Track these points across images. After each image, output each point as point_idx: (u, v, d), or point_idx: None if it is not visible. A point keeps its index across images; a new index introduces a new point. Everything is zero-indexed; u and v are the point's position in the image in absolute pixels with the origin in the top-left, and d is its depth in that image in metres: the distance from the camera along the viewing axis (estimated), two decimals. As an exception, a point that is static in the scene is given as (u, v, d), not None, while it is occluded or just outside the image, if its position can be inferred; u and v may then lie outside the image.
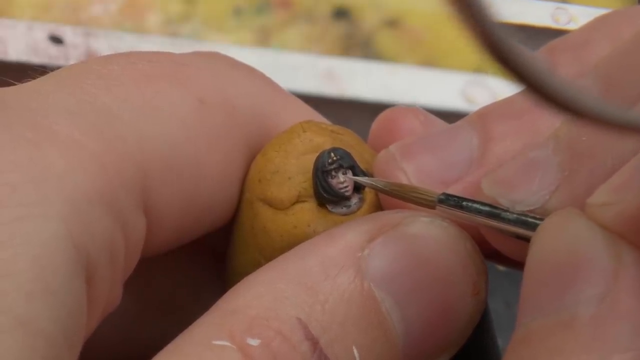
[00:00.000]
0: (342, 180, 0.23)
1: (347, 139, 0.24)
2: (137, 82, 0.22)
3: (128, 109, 0.21)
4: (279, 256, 0.22)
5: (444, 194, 0.21)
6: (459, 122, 0.23)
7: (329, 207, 0.23)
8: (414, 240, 0.21)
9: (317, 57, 0.45)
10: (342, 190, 0.23)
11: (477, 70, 0.46)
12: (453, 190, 0.22)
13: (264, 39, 0.47)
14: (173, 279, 0.27)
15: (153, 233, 0.21)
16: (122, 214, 0.20)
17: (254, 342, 0.19)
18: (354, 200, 0.23)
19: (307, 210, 0.23)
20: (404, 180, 0.22)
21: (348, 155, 0.23)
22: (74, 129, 0.19)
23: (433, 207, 0.21)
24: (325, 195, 0.23)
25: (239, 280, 0.21)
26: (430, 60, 0.46)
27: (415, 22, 0.47)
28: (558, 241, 0.19)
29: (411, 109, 0.25)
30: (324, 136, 0.23)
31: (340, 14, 0.47)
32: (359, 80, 0.45)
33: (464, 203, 0.21)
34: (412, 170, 0.23)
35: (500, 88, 0.44)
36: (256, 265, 0.22)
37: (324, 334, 0.20)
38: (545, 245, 0.19)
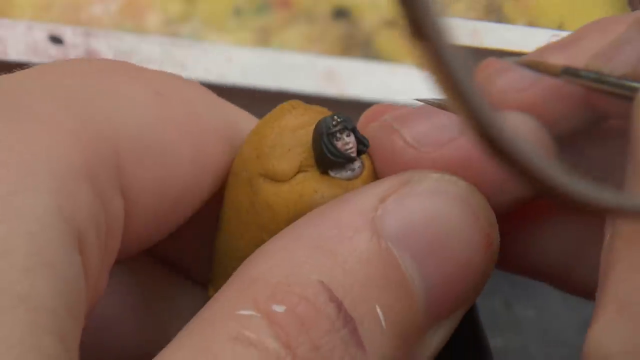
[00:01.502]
0: (347, 142, 0.23)
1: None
2: (100, 74, 0.22)
3: (97, 94, 0.21)
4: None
5: (564, 66, 0.23)
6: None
7: (332, 173, 0.23)
8: (425, 196, 0.21)
9: (317, 57, 0.45)
10: (349, 152, 0.23)
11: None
12: (451, 146, 0.23)
13: (264, 39, 0.47)
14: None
15: (130, 217, 0.21)
16: (103, 191, 0.20)
17: (279, 308, 0.19)
18: (357, 163, 0.23)
19: (311, 179, 0.23)
20: (399, 143, 0.23)
21: (349, 118, 0.23)
22: (52, 109, 0.20)
23: (558, 75, 0.23)
24: (333, 158, 0.23)
25: (238, 265, 0.21)
26: (422, 68, 0.46)
27: (415, 22, 0.47)
28: None
29: (398, 104, 0.25)
30: (313, 112, 0.24)
31: (340, 14, 0.47)
32: (359, 80, 0.45)
33: (580, 72, 0.23)
34: (407, 133, 0.23)
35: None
36: (260, 243, 0.22)
37: (347, 296, 0.20)
38: None
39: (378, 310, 0.20)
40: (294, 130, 0.23)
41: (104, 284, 0.21)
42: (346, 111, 0.23)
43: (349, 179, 0.23)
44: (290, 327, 0.19)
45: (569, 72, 0.24)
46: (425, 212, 0.21)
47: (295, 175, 0.23)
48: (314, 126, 0.23)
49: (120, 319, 0.26)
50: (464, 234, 0.22)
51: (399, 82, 0.45)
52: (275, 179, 0.23)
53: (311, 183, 0.23)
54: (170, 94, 0.23)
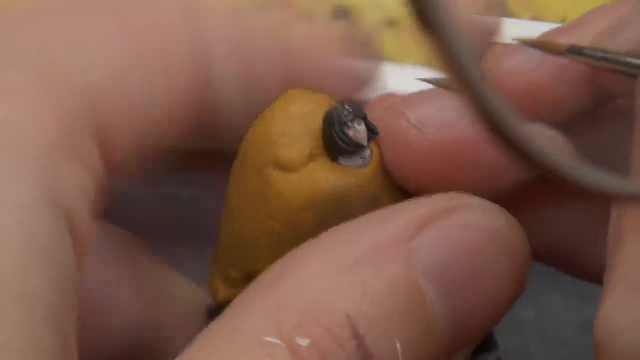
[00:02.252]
0: (359, 130, 0.23)
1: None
2: (62, 15, 0.21)
3: (62, 42, 0.20)
4: (294, 220, 0.22)
5: (569, 45, 0.23)
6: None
7: (343, 161, 0.23)
8: (465, 230, 0.21)
9: (317, 57, 0.45)
10: (361, 140, 0.23)
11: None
12: (449, 132, 0.22)
13: (264, 39, 0.47)
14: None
15: (111, 160, 0.21)
16: (83, 153, 0.19)
17: (303, 342, 0.19)
18: (368, 151, 0.23)
19: (322, 167, 0.23)
20: (403, 124, 0.23)
21: (359, 106, 0.23)
22: (19, 79, 0.19)
23: (563, 54, 0.23)
24: (345, 147, 0.23)
25: (246, 255, 0.21)
26: (430, 60, 0.46)
27: (415, 22, 0.47)
28: None
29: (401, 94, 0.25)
30: (319, 99, 0.24)
31: (340, 14, 0.47)
32: (359, 80, 0.45)
33: (585, 51, 0.23)
34: (413, 115, 0.23)
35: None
36: (270, 231, 0.22)
37: (371, 330, 0.20)
38: None
39: (398, 345, 0.20)
40: (302, 119, 0.23)
41: (93, 234, 0.20)
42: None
43: (359, 167, 0.23)
44: None
45: (574, 51, 0.23)
46: (462, 247, 0.21)
47: (306, 164, 0.23)
48: (321, 113, 0.23)
49: (113, 305, 0.26)
50: (498, 273, 0.21)
51: (399, 82, 0.45)
52: (285, 168, 0.23)
53: (322, 172, 0.23)
54: (134, 19, 0.22)
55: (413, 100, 0.24)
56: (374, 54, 0.47)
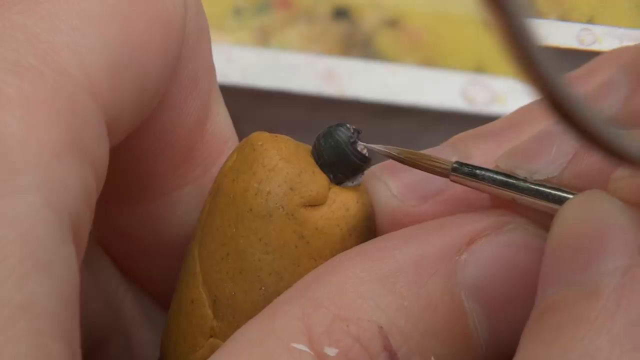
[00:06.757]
0: (363, 146, 0.23)
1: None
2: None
3: (60, 28, 0.19)
4: (338, 251, 0.21)
5: (457, 162, 0.21)
6: (438, 146, 0.23)
7: (348, 182, 0.23)
8: (517, 249, 0.20)
9: (317, 57, 0.45)
10: (368, 156, 0.23)
11: (477, 70, 0.46)
12: (436, 200, 0.22)
13: (264, 39, 0.47)
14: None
15: (114, 133, 0.20)
16: (89, 148, 0.19)
17: (331, 351, 0.19)
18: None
19: (341, 192, 0.23)
20: (386, 193, 0.22)
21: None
22: (19, 81, 0.18)
23: (447, 176, 0.21)
24: (362, 164, 0.23)
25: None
26: (430, 60, 0.46)
27: (415, 22, 0.47)
28: (584, 217, 0.18)
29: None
30: (282, 138, 0.23)
31: (340, 14, 0.47)
32: (359, 80, 0.45)
33: (478, 171, 0.21)
34: (393, 183, 0.22)
35: (500, 88, 0.44)
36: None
37: (404, 345, 0.19)
38: (571, 221, 0.19)
39: None
40: (300, 155, 0.23)
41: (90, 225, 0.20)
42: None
43: (359, 184, 0.23)
44: None
45: (462, 171, 0.21)
46: (511, 266, 0.20)
47: (327, 193, 0.23)
48: (304, 147, 0.23)
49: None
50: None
51: (398, 82, 0.45)
52: (316, 203, 0.22)
53: (346, 196, 0.23)
54: None
55: (393, 169, 0.23)
56: (374, 54, 0.47)
